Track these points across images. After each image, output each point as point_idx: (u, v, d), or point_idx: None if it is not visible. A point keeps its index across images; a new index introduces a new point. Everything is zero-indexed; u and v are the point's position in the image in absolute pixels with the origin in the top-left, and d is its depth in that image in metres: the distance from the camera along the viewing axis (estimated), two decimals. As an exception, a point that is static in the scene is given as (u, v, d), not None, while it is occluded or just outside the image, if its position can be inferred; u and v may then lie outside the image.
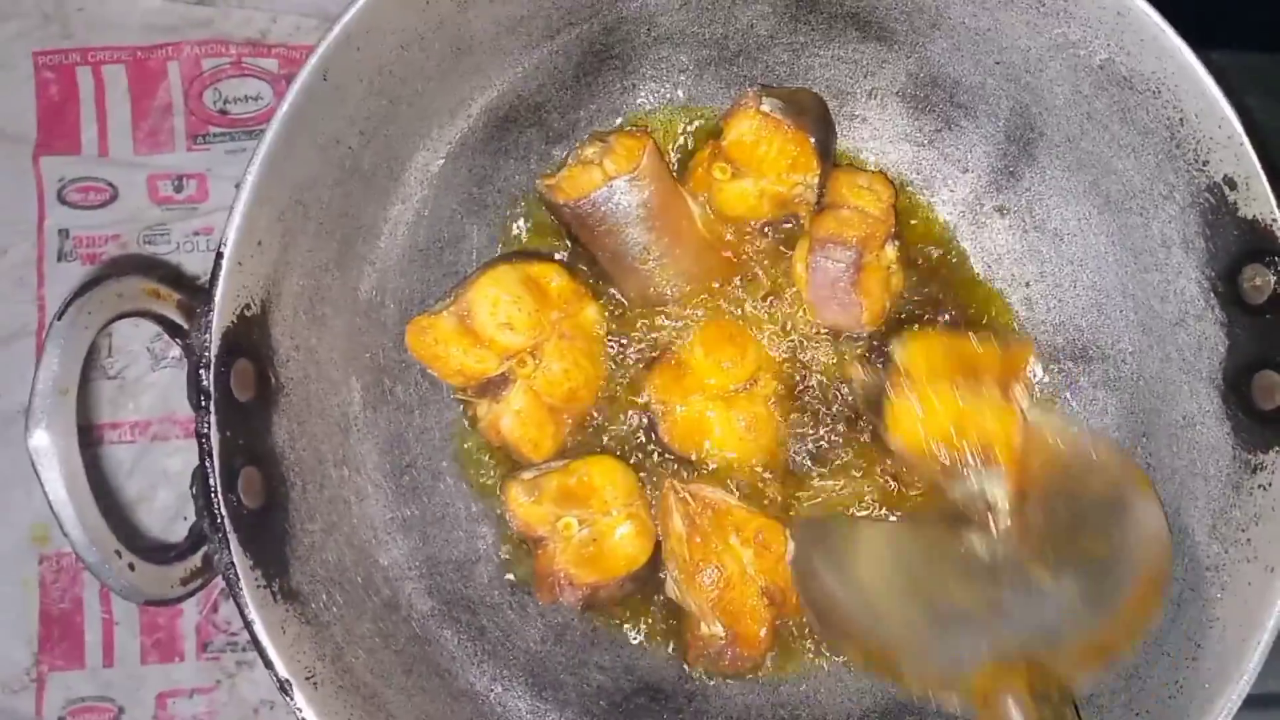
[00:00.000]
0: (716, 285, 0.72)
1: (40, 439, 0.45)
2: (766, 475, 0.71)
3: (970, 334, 0.69)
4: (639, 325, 0.72)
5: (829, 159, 0.70)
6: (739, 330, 0.71)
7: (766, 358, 0.71)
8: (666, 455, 0.71)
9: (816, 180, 0.69)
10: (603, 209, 0.67)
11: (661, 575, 0.70)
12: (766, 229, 0.72)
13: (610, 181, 0.66)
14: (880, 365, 0.70)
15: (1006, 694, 0.57)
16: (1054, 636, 0.61)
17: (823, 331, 0.72)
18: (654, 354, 0.72)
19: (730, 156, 0.68)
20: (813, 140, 0.68)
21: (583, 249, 0.71)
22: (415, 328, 0.66)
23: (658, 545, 0.69)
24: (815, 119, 0.69)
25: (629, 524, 0.67)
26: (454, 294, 0.67)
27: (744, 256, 0.73)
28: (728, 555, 0.66)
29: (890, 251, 0.70)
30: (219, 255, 0.54)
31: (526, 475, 0.68)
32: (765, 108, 0.67)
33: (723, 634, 0.66)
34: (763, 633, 0.67)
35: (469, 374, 0.67)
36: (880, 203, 0.69)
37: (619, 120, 0.75)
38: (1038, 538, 0.65)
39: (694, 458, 0.70)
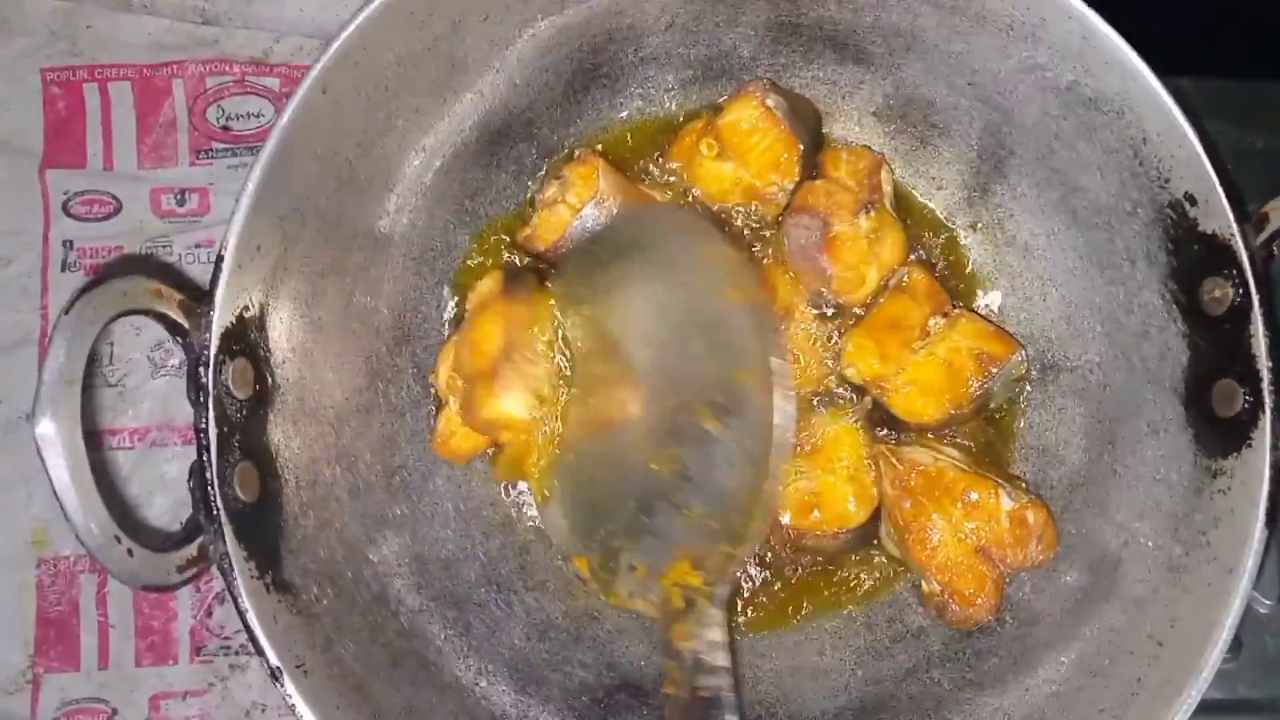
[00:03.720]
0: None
1: (46, 427, 0.47)
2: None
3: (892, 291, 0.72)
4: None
5: (808, 171, 0.72)
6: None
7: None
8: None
9: (791, 187, 0.71)
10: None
11: (879, 534, 0.72)
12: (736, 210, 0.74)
13: (578, 213, 0.69)
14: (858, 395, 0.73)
15: (682, 591, 0.59)
16: (723, 502, 0.60)
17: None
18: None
19: (721, 136, 0.71)
20: (801, 148, 0.70)
21: None
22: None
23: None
24: (810, 130, 0.72)
25: (848, 486, 0.70)
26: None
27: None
28: (940, 518, 0.68)
29: (864, 221, 0.71)
30: (220, 257, 0.56)
31: None
32: (770, 102, 0.69)
33: (939, 591, 0.68)
34: (982, 590, 0.68)
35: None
36: (856, 173, 0.72)
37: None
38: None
39: None
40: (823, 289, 0.73)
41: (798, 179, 0.71)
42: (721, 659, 0.58)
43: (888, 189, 0.73)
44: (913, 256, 0.75)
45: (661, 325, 0.64)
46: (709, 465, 0.61)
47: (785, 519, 0.70)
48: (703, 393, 0.61)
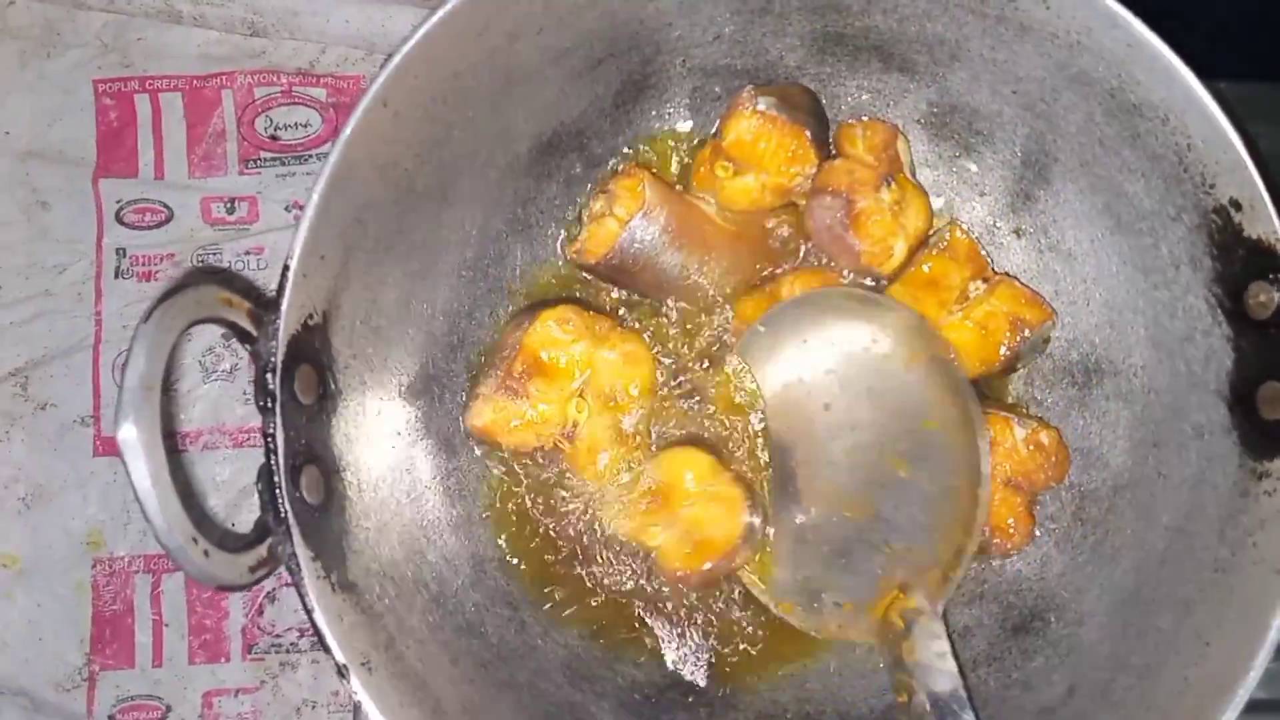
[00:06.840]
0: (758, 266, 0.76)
1: (128, 432, 0.47)
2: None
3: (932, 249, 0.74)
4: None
5: (825, 149, 0.73)
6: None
7: None
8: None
9: (815, 171, 0.73)
10: (632, 251, 0.70)
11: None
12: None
13: (627, 225, 0.70)
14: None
15: (900, 615, 0.65)
16: (925, 534, 0.68)
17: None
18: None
19: (731, 155, 0.72)
20: (808, 134, 0.71)
21: (628, 292, 0.75)
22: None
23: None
24: (809, 113, 0.73)
25: (711, 507, 0.69)
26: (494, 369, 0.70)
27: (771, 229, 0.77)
28: None
29: (886, 194, 0.72)
30: (286, 267, 0.57)
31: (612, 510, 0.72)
32: (761, 106, 0.70)
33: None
34: (1019, 520, 0.70)
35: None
36: (873, 147, 0.73)
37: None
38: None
39: None
40: (848, 265, 0.74)
41: (816, 162, 0.72)
42: (950, 664, 0.63)
43: (906, 158, 0.74)
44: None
45: (846, 399, 0.71)
46: (903, 504, 0.69)
47: (680, 571, 0.69)
48: (891, 446, 0.70)
